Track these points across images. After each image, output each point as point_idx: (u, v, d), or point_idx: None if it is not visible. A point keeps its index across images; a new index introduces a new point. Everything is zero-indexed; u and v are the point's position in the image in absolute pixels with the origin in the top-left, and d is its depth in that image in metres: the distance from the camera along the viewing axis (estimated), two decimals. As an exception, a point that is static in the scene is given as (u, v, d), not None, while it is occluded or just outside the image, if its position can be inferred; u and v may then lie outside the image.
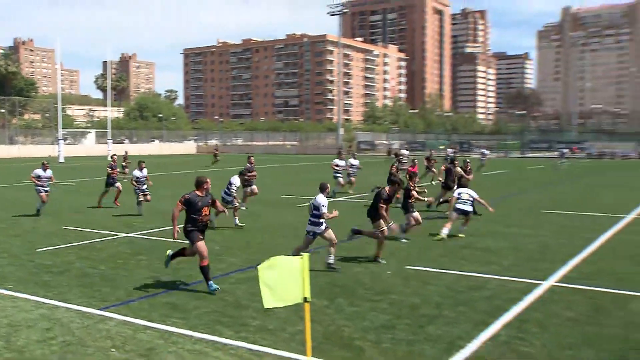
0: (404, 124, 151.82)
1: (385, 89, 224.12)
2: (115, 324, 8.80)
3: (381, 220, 13.07)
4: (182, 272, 12.06)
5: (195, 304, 9.86)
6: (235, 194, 18.45)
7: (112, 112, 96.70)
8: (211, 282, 10.63)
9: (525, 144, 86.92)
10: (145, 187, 21.21)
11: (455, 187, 20.13)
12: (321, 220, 12.28)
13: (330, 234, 12.42)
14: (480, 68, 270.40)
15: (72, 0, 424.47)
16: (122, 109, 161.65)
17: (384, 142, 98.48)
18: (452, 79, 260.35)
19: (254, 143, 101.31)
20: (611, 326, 8.87)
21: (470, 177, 22.77)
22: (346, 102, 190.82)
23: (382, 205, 13.17)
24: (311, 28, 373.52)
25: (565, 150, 57.20)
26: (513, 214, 21.13)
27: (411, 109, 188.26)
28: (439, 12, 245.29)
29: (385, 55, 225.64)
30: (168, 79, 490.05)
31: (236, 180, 18.60)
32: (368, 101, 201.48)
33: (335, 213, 12.35)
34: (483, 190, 22.45)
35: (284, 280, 5.96)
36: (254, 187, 22.33)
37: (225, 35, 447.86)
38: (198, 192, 11.01)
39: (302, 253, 7.33)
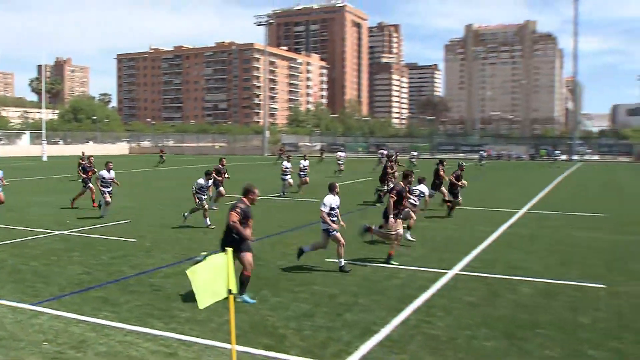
0: (325, 127, 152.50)
1: (308, 94, 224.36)
2: (47, 319, 8.51)
3: (391, 219, 12.54)
4: (114, 267, 11.84)
5: (126, 298, 9.65)
6: (205, 195, 17.56)
7: (46, 114, 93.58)
8: (246, 295, 9.43)
9: (434, 146, 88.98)
10: (110, 188, 19.36)
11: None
12: (334, 219, 11.72)
13: (338, 237, 11.70)
14: (394, 77, 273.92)
15: (7, 4, 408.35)
16: (56, 111, 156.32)
17: (307, 144, 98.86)
18: (369, 86, 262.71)
19: (185, 144, 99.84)
20: (503, 308, 9.27)
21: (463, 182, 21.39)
22: (272, 106, 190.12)
23: (392, 195, 12.76)
24: (239, 37, 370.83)
25: (484, 153, 58.75)
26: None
27: (332, 114, 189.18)
28: (358, 25, 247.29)
29: (308, 64, 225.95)
30: (102, 82, 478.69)
31: (202, 181, 17.67)
32: (292, 106, 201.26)
33: (335, 226, 11.68)
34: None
35: (213, 277, 5.96)
36: (221, 189, 21.99)
37: (157, 41, 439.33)
38: (245, 201, 9.78)
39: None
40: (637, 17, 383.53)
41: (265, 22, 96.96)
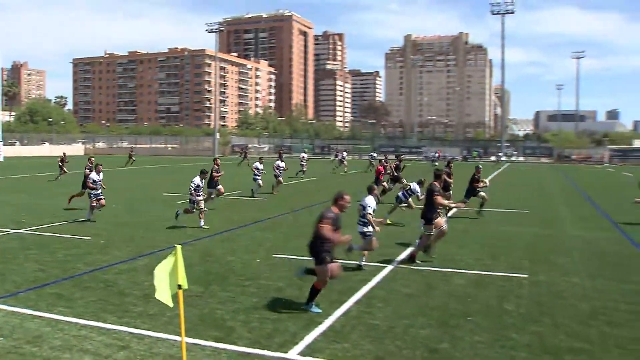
0: (273, 130, 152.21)
1: (257, 98, 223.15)
2: (3, 315, 8.26)
3: (439, 219, 12.28)
4: (69, 264, 11.54)
5: (81, 294, 9.42)
6: (200, 195, 16.67)
7: (3, 116, 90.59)
8: (314, 304, 8.73)
9: (375, 148, 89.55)
10: (100, 191, 17.71)
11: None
12: (364, 221, 11.54)
13: (372, 241, 11.51)
14: (338, 82, 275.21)
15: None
16: (13, 113, 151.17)
17: (256, 145, 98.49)
18: (314, 91, 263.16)
19: (138, 145, 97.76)
20: (438, 298, 9.45)
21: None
22: (222, 109, 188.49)
23: (438, 196, 12.31)
24: (192, 43, 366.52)
25: (436, 155, 59.20)
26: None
27: (279, 117, 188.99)
28: (304, 34, 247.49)
29: (257, 69, 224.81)
30: (58, 86, 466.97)
31: (197, 180, 16.70)
32: (242, 109, 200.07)
33: (378, 228, 11.70)
34: (345, 186, 22.90)
35: (168, 273, 5.91)
36: (220, 187, 21.56)
37: (113, 46, 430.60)
38: (335, 209, 9.02)
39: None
40: (555, 33, 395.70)
41: (217, 29, 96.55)
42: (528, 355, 7.01)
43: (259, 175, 25.84)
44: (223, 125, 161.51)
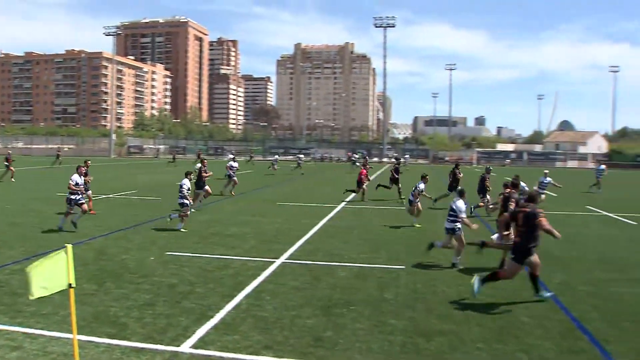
0: (168, 131, 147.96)
1: (153, 101, 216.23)
2: None
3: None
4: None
5: (-27, 296, 8.83)
6: (188, 196, 16.03)
7: None
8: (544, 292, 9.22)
9: (266, 149, 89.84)
10: (80, 196, 15.44)
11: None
12: (458, 220, 11.71)
13: (462, 237, 11.76)
14: (232, 87, 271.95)
15: None
16: None
17: (151, 146, 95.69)
18: (209, 95, 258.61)
19: (34, 146, 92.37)
20: (323, 289, 9.63)
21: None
22: (118, 111, 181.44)
23: (512, 203, 11.73)
24: (89, 45, 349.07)
25: (357, 156, 59.67)
26: (257, 205, 21.62)
27: (175, 119, 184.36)
28: (199, 39, 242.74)
29: (153, 72, 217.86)
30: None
31: (187, 182, 16.17)
32: (138, 111, 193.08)
33: (475, 226, 12.02)
34: (239, 187, 22.73)
35: (51, 271, 5.64)
36: (208, 187, 20.70)
37: (8, 46, 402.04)
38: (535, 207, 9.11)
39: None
40: (431, 47, 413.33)
41: (114, 32, 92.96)
42: (404, 338, 7.33)
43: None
44: (119, 127, 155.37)
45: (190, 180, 16.55)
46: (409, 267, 11.47)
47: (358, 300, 9.00)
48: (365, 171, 25.36)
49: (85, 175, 17.73)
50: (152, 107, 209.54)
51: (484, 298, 9.21)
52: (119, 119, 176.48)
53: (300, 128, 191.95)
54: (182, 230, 15.36)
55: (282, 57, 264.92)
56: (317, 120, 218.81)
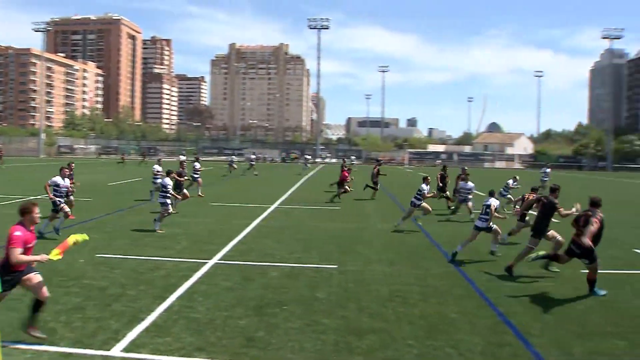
0: (100, 131, 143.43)
1: (84, 99, 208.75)
2: None
3: (552, 231, 11.82)
4: None
5: None
6: (171, 195, 16.12)
7: None
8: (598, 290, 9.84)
9: (200, 149, 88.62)
10: (63, 200, 14.54)
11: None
12: (488, 217, 12.65)
13: (497, 229, 13.00)
14: (165, 86, 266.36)
15: None
16: None
17: (82, 146, 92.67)
18: (142, 94, 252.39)
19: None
20: (255, 290, 9.58)
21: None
22: (48, 110, 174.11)
23: (560, 208, 11.53)
24: (18, 41, 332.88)
25: (309, 157, 58.87)
26: (190, 206, 21.09)
27: (106, 118, 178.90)
28: (132, 37, 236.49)
29: (84, 70, 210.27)
30: None
31: (169, 181, 16.12)
32: (68, 110, 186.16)
33: (504, 216, 13.91)
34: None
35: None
36: (186, 191, 20.14)
37: None
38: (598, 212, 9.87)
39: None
40: (365, 49, 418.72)
41: (43, 28, 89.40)
42: (336, 337, 7.39)
43: (158, 177, 23.87)
44: (49, 126, 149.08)
45: (172, 180, 16.79)
46: (341, 266, 11.57)
47: (290, 300, 9.01)
48: (347, 173, 26.22)
49: (70, 177, 16.74)
50: (84, 106, 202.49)
51: (414, 295, 9.42)
52: (48, 118, 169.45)
53: (234, 128, 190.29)
54: (158, 231, 15.14)
55: (216, 56, 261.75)
56: (251, 121, 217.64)
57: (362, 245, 14.05)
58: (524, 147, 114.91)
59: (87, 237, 7.55)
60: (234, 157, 52.84)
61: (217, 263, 11.58)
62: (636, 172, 78.65)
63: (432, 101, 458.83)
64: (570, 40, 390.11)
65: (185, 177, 20.82)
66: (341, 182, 25.80)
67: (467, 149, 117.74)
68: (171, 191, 16.39)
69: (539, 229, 11.53)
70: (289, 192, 29.37)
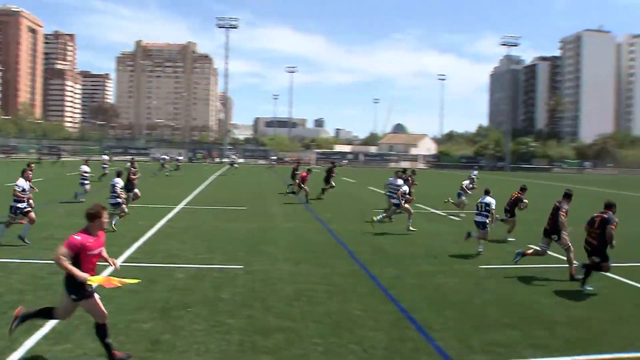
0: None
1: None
2: None
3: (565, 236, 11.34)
4: None
5: None
6: (122, 194, 16.16)
7: None
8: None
9: (104, 149, 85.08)
10: (26, 204, 13.25)
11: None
12: (488, 215, 13.85)
13: (488, 230, 13.95)
14: (68, 83, 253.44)
15: None
16: None
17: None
18: (43, 91, 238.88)
19: None
20: (160, 292, 9.36)
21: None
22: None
23: (562, 214, 11.35)
24: None
25: (235, 157, 56.59)
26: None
27: (4, 116, 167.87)
28: (33, 31, 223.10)
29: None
30: None
31: (120, 181, 16.09)
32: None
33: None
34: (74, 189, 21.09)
35: None
36: (137, 190, 19.23)
37: None
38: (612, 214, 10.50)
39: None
40: (273, 49, 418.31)
41: None
42: (242, 337, 7.35)
43: (86, 179, 23.04)
44: None
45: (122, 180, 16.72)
46: (247, 266, 11.53)
47: (196, 301, 8.88)
48: (305, 174, 26.19)
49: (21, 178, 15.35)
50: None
51: (319, 294, 9.53)
52: None
53: (140, 127, 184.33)
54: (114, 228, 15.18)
55: (122, 53, 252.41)
56: (157, 120, 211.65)
57: (268, 245, 14.05)
58: (427, 147, 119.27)
59: (135, 281, 7.27)
60: (165, 156, 51.57)
61: (120, 265, 11.14)
62: (531, 172, 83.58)
63: (340, 102, 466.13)
64: (471, 46, 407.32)
65: (138, 176, 20.28)
66: (300, 183, 26.10)
67: (373, 149, 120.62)
68: (118, 191, 16.28)
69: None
70: (195, 191, 28.88)
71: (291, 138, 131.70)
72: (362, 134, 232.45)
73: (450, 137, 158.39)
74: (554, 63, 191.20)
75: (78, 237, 6.43)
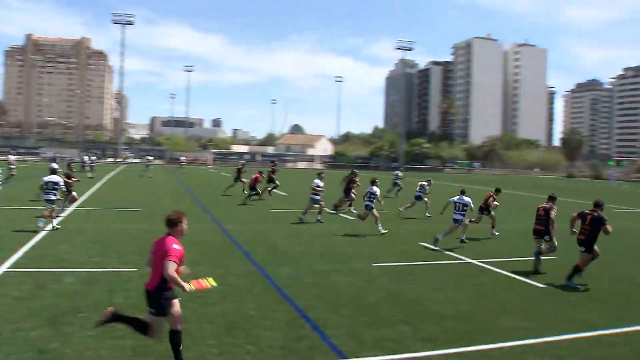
0: None
1: None
2: None
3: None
4: None
5: None
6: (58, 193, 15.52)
7: None
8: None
9: (11, 148, 78.99)
10: None
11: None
12: (465, 213, 15.06)
13: (467, 224, 15.65)
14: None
15: None
16: None
17: None
18: None
19: None
20: (48, 298, 8.86)
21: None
22: None
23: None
24: None
25: (151, 157, 52.73)
26: None
27: None
28: None
29: None
30: None
31: (60, 179, 15.55)
32: None
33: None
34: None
35: None
36: (74, 193, 18.14)
37: None
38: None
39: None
40: (171, 47, 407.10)
41: None
42: (134, 342, 7.09)
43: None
44: None
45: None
46: (141, 269, 11.13)
47: (86, 306, 8.46)
48: (259, 175, 25.89)
49: None
50: None
51: (214, 295, 9.32)
52: None
53: (29, 125, 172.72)
54: (39, 226, 14.81)
55: (11, 47, 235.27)
56: (48, 118, 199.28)
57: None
58: (324, 148, 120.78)
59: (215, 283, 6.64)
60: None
61: (6, 271, 10.45)
62: (424, 172, 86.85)
63: (237, 102, 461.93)
64: (368, 50, 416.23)
65: (75, 179, 19.03)
66: (252, 187, 25.67)
67: (270, 149, 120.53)
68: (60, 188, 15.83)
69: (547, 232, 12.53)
70: (87, 193, 27.54)
71: (188, 138, 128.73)
72: (260, 135, 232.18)
73: (347, 138, 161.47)
74: (447, 68, 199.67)
75: (178, 247, 6.02)
